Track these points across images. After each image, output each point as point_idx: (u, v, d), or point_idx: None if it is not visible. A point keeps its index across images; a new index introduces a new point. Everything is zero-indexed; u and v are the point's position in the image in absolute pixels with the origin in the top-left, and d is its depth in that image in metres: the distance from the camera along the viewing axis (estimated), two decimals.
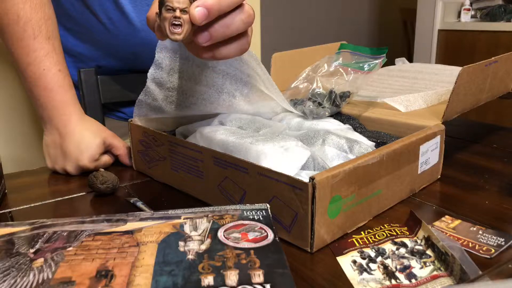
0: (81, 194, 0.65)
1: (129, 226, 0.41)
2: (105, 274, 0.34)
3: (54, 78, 0.72)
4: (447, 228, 0.51)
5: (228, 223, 0.41)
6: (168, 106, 0.69)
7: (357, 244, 0.48)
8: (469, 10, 2.83)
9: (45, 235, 0.40)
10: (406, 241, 0.48)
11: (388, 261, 0.45)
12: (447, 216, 0.54)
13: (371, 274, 0.43)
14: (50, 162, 0.74)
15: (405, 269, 0.43)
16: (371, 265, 0.44)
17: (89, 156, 0.71)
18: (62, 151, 0.72)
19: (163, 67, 0.68)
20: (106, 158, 0.74)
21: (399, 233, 0.49)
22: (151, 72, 0.67)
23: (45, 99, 0.72)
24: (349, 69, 0.78)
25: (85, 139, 0.72)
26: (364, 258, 0.45)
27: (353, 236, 0.50)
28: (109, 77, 0.96)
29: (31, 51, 0.71)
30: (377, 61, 0.77)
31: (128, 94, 0.98)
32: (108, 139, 0.74)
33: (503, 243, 0.47)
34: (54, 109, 0.72)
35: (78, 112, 0.74)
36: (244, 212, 0.43)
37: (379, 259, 0.45)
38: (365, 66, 0.77)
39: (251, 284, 0.33)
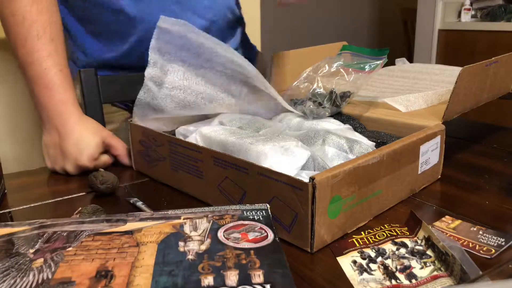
0: (81, 194, 0.65)
1: (129, 226, 0.41)
2: (105, 274, 0.34)
3: (54, 77, 0.72)
4: (447, 228, 0.51)
5: (228, 223, 0.41)
6: (167, 105, 0.69)
7: (357, 244, 0.48)
8: (469, 10, 2.83)
9: (45, 235, 0.40)
10: (406, 241, 0.48)
11: (388, 261, 0.45)
12: (447, 216, 0.54)
13: (371, 274, 0.43)
14: (50, 162, 0.74)
15: (405, 269, 0.43)
16: (371, 265, 0.44)
17: (88, 155, 0.71)
18: (61, 151, 0.72)
19: (159, 67, 0.68)
20: (106, 158, 0.74)
21: (399, 233, 0.49)
22: (148, 71, 0.67)
23: (45, 98, 0.72)
24: (350, 69, 0.78)
25: (84, 138, 0.72)
26: (364, 258, 0.45)
27: (353, 236, 0.50)
28: (109, 77, 0.96)
29: (34, 51, 0.71)
30: (378, 62, 0.77)
31: (128, 94, 0.98)
32: (107, 139, 0.74)
33: (503, 243, 0.47)
34: (53, 107, 0.72)
35: (77, 112, 0.74)
36: (244, 212, 0.43)
37: (379, 259, 0.45)
38: (366, 66, 0.77)
39: (251, 284, 0.33)
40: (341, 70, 0.78)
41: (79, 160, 0.71)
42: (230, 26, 1.00)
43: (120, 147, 0.75)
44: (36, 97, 0.73)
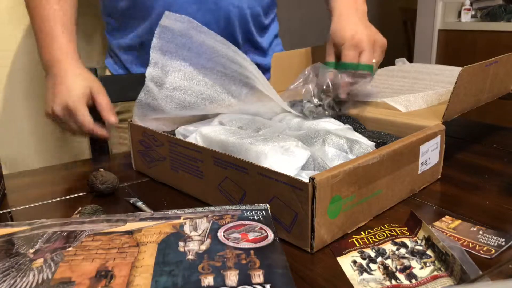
0: (81, 194, 0.65)
1: (129, 226, 0.41)
2: (105, 274, 0.34)
3: (60, 34, 0.80)
4: (447, 228, 0.51)
5: (228, 223, 0.41)
6: (168, 106, 0.69)
7: (357, 244, 0.48)
8: (469, 10, 2.83)
9: (45, 235, 0.40)
10: (406, 241, 0.48)
11: (388, 261, 0.45)
12: (447, 216, 0.54)
13: (371, 274, 0.43)
14: (45, 105, 0.78)
15: (405, 269, 0.43)
16: (371, 265, 0.44)
17: (75, 95, 0.75)
18: (53, 93, 0.76)
19: (160, 67, 0.68)
20: (96, 127, 0.77)
21: (399, 233, 0.49)
22: (149, 71, 0.68)
23: (48, 46, 0.80)
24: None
25: (74, 82, 0.77)
26: (364, 258, 0.45)
27: (353, 236, 0.50)
28: (109, 77, 0.96)
29: (43, 8, 0.80)
30: (366, 80, 0.75)
31: (128, 94, 0.98)
32: (94, 90, 0.77)
33: (503, 243, 0.47)
34: (54, 56, 0.79)
35: (75, 61, 0.80)
36: (244, 212, 0.43)
37: (379, 259, 0.45)
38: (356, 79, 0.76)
39: (251, 284, 0.33)
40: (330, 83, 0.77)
41: (66, 100, 0.75)
42: (262, 18, 1.00)
43: (103, 103, 0.78)
44: (41, 46, 0.81)
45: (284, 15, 3.24)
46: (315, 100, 0.75)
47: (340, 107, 0.76)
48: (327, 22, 0.84)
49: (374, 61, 0.75)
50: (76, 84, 0.76)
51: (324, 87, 0.75)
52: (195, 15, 0.88)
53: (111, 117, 0.77)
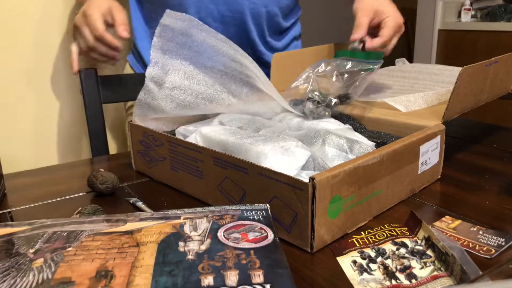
0: (81, 194, 0.65)
1: (129, 226, 0.41)
2: (104, 274, 0.34)
3: None
4: (447, 228, 0.51)
5: (228, 223, 0.41)
6: (168, 106, 0.69)
7: (357, 244, 0.48)
8: (469, 10, 2.83)
9: (45, 235, 0.40)
10: (406, 241, 0.48)
11: (388, 261, 0.45)
12: (447, 216, 0.54)
13: (371, 274, 0.43)
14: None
15: (405, 269, 0.43)
16: (371, 265, 0.44)
17: (93, 7, 0.82)
18: (79, 11, 0.85)
19: (160, 66, 0.68)
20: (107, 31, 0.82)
21: (399, 233, 0.49)
22: (149, 71, 0.68)
23: None
24: (346, 74, 0.77)
25: (96, 1, 0.85)
26: (364, 258, 0.45)
27: (353, 236, 0.50)
28: (109, 77, 0.96)
29: None
30: (374, 67, 0.76)
31: (128, 94, 0.98)
32: (113, 5, 0.85)
33: (503, 243, 0.47)
34: None
35: None
36: (244, 212, 0.43)
37: (379, 259, 0.45)
38: (362, 72, 0.77)
39: (251, 284, 0.33)
40: (336, 74, 0.78)
41: (85, 9, 0.82)
42: (280, 19, 1.01)
43: (118, 19, 0.84)
44: None
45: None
46: (316, 95, 0.76)
47: (343, 102, 0.76)
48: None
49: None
50: (98, 1, 0.85)
51: (336, 73, 0.77)
52: (210, 3, 0.89)
53: (123, 31, 0.82)
